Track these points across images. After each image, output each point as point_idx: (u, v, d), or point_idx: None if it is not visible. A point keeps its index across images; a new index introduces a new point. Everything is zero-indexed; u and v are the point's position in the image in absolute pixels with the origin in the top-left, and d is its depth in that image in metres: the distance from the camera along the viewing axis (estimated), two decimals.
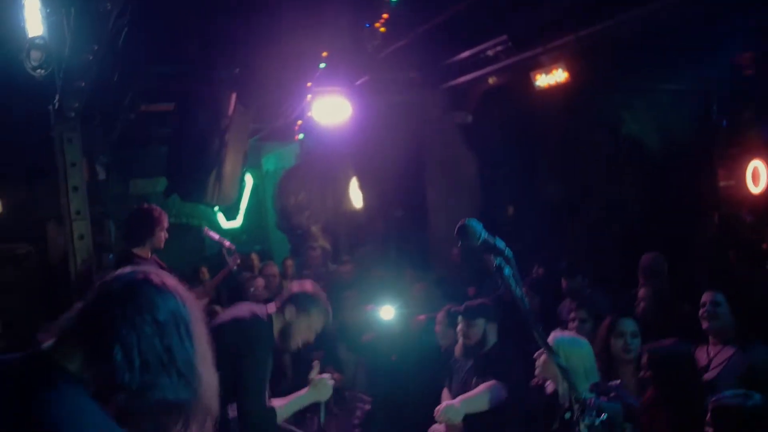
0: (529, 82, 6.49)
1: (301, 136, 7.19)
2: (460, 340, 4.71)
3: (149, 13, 4.53)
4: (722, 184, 10.38)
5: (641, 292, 5.16)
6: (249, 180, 12.24)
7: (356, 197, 9.66)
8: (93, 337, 1.50)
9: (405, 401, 5.38)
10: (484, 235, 1.87)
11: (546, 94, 6.72)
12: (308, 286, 3.88)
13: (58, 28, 4.11)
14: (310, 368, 6.58)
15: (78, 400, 1.47)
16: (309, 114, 6.96)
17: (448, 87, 7.61)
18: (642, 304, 5.07)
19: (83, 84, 4.25)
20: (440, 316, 5.45)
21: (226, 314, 3.80)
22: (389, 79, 7.41)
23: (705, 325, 4.20)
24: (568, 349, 3.82)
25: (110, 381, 1.48)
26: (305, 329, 3.72)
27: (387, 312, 6.01)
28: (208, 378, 1.63)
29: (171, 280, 1.63)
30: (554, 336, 3.90)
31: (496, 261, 1.92)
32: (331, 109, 7.45)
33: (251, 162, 12.43)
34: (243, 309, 3.73)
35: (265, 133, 9.95)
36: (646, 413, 3.52)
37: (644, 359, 3.74)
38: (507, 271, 1.92)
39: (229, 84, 6.67)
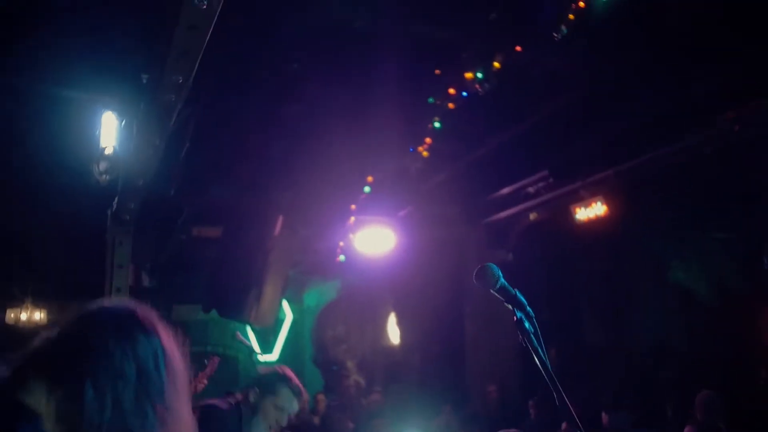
0: (569, 217, 6.56)
1: (342, 258, 7.32)
2: None
3: (210, 125, 4.88)
4: None
5: (687, 429, 4.81)
6: (288, 313, 12.31)
7: (394, 333, 9.54)
8: (62, 368, 1.33)
9: None
10: (503, 281, 1.85)
11: (586, 232, 6.76)
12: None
13: (127, 135, 4.49)
14: None
15: None
16: (351, 237, 7.14)
17: (489, 223, 7.74)
18: None
19: (141, 182, 4.52)
20: None
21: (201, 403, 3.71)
22: (431, 213, 7.60)
23: None
24: None
25: (74, 421, 1.30)
26: (273, 410, 3.53)
27: None
28: (184, 416, 1.45)
29: (154, 317, 1.50)
30: None
31: (517, 314, 1.89)
32: (373, 239, 7.65)
33: (292, 296, 12.58)
34: (217, 400, 3.66)
35: (307, 266, 10.15)
36: None
37: None
38: (527, 325, 1.88)
39: (278, 206, 6.96)
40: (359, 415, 7.13)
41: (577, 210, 6.37)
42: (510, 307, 1.87)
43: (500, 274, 1.84)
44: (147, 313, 1.47)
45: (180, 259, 8.76)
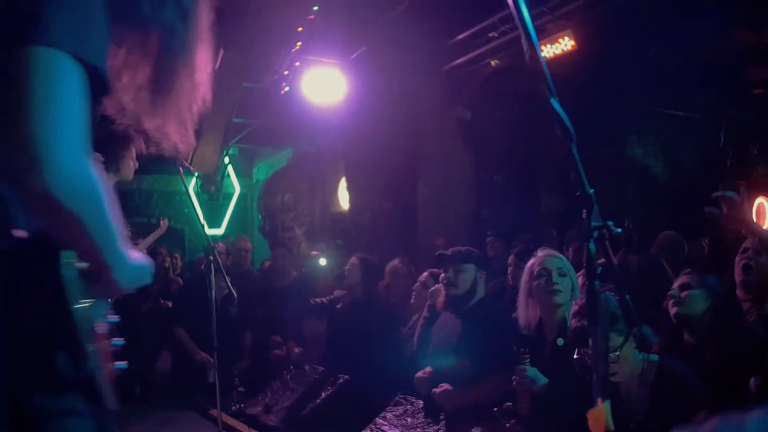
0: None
1: (287, 89, 6.78)
2: (444, 292, 4.11)
3: None
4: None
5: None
6: (237, 187, 11.86)
7: (344, 198, 9.19)
8: None
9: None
10: None
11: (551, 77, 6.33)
12: None
13: None
14: (269, 348, 6.01)
15: None
16: (298, 78, 6.60)
17: (448, 71, 7.26)
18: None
19: None
20: (423, 276, 4.91)
21: None
22: (386, 59, 7.07)
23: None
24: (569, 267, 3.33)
25: None
26: None
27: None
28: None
29: None
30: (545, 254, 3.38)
31: None
32: (323, 83, 7.11)
33: (241, 170, 12.10)
34: None
35: (256, 134, 9.63)
36: None
37: None
38: None
39: (219, 37, 6.33)
40: (302, 262, 6.84)
41: (543, 47, 5.92)
42: None
43: None
44: None
45: None
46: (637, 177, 9.71)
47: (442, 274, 4.14)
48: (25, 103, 1.00)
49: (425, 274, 4.82)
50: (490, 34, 6.72)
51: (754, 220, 8.94)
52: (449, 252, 4.13)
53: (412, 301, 4.80)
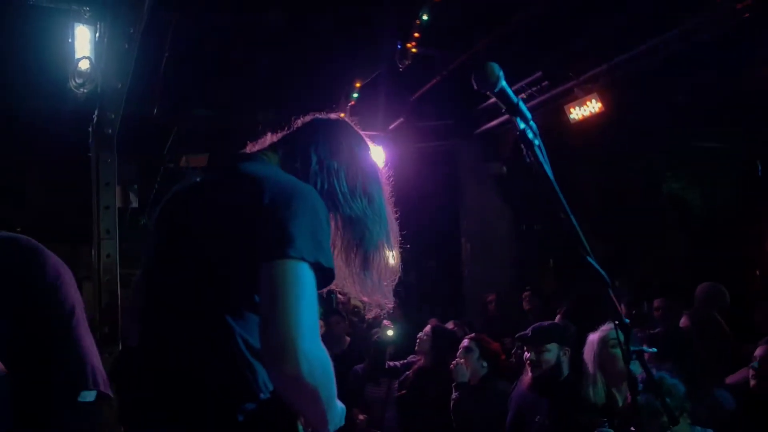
0: (564, 119, 6.40)
1: None
2: (529, 373, 3.99)
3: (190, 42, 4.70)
4: None
5: (683, 317, 4.71)
6: None
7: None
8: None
9: None
10: (504, 84, 1.73)
11: (581, 135, 6.61)
12: None
13: (100, 42, 4.32)
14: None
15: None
16: None
17: (482, 133, 7.60)
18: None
19: (120, 85, 4.34)
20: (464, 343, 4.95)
21: None
22: (422, 125, 7.45)
23: None
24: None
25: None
26: None
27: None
28: None
29: None
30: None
31: (519, 125, 1.77)
32: None
33: None
34: None
35: None
36: None
37: None
38: (530, 136, 1.77)
39: (265, 126, 6.78)
40: (357, 328, 7.14)
41: (572, 110, 6.21)
42: (511, 116, 1.77)
43: (501, 74, 1.72)
44: None
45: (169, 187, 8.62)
46: (676, 210, 9.80)
47: (526, 354, 4.05)
48: (281, 307, 1.31)
49: (465, 341, 4.83)
50: (521, 96, 7.05)
51: None
52: (529, 332, 4.04)
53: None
